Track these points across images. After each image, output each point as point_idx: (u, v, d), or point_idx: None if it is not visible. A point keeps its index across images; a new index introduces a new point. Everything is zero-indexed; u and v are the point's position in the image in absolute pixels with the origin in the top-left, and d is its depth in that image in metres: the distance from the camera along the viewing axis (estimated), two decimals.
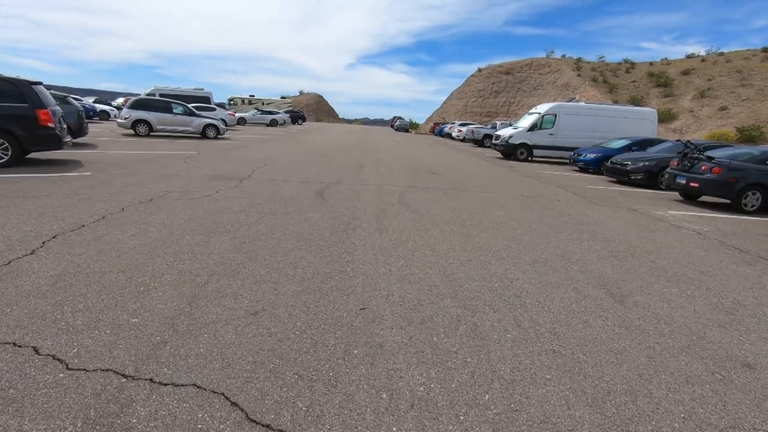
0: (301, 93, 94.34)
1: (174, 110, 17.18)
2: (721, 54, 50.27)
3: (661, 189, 11.59)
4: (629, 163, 12.01)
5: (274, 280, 3.51)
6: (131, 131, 16.40)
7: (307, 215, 5.73)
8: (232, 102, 57.30)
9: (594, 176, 14.11)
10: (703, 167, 8.80)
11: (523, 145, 17.78)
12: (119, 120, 16.50)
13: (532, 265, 4.41)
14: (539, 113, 17.97)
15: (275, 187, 7.62)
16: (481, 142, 28.13)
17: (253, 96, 61.92)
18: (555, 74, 56.34)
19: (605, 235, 5.88)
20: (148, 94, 33.69)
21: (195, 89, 36.92)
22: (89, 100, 29.69)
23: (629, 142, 15.00)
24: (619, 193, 10.35)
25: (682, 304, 3.65)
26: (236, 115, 36.13)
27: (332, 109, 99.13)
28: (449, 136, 37.78)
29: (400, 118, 59.71)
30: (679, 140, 11.45)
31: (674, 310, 3.51)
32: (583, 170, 15.39)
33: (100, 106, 27.60)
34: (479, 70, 69.01)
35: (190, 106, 25.21)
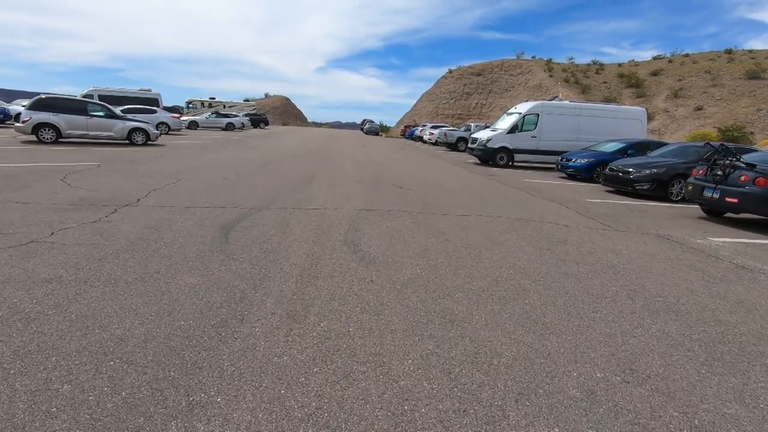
0: (266, 96, 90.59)
1: (90, 112, 14.21)
2: (687, 55, 50.66)
3: (672, 201, 9.72)
4: (632, 170, 10.09)
5: None
6: (33, 137, 13.34)
7: (173, 284, 3.27)
8: (190, 105, 53.59)
9: (587, 185, 12.19)
10: (742, 177, 6.86)
11: (503, 149, 15.78)
12: (17, 124, 13.41)
13: None
14: (519, 113, 16.04)
15: (162, 220, 5.09)
16: (454, 145, 26.17)
17: (214, 98, 58.29)
18: (526, 75, 55.53)
19: (666, 298, 3.69)
20: (84, 96, 30.14)
21: (141, 90, 33.54)
22: None
23: (623, 144, 13.20)
24: (629, 209, 8.34)
25: None
26: (185, 118, 32.94)
27: (300, 112, 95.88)
28: (420, 139, 35.77)
29: (370, 121, 57.53)
30: (708, 143, 9.65)
31: None
32: (571, 177, 13.51)
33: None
34: (450, 71, 67.77)
35: (121, 108, 22.10)
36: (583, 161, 12.98)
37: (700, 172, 7.68)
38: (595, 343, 2.79)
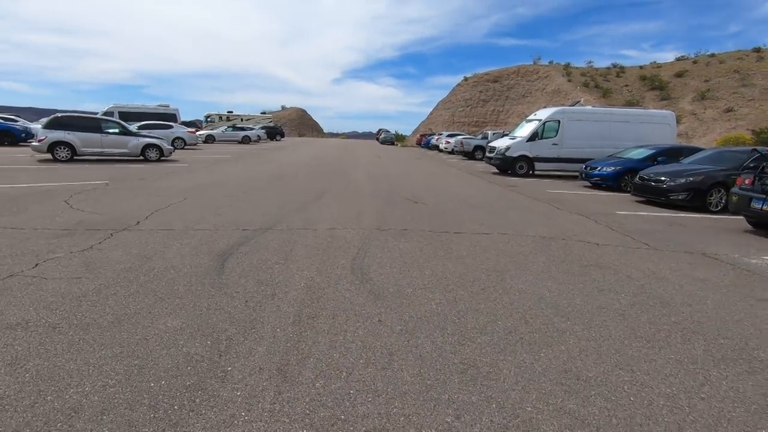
0: (283, 108, 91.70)
1: (105, 129, 14.25)
2: (713, 55, 48.90)
3: (710, 212, 8.95)
4: (666, 179, 9.36)
5: None
6: (48, 156, 13.42)
7: (152, 329, 2.86)
8: (209, 119, 54.54)
9: (614, 194, 11.46)
10: None
11: (523, 157, 15.15)
12: (33, 143, 13.52)
13: None
14: (540, 120, 15.40)
15: (158, 246, 4.74)
16: (471, 154, 25.57)
17: (231, 112, 59.29)
18: (544, 80, 54.54)
19: (731, 340, 3.09)
20: (105, 113, 30.80)
21: (159, 106, 34.16)
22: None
23: (653, 151, 12.42)
24: (665, 222, 7.65)
25: None
26: (202, 132, 33.33)
27: (316, 123, 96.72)
28: (436, 148, 35.25)
29: (385, 130, 57.34)
30: (755, 149, 8.88)
31: None
32: (596, 186, 12.77)
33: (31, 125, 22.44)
34: (465, 79, 67.26)
35: (138, 123, 22.36)
36: (609, 169, 12.25)
37: (746, 181, 6.95)
38: (655, 411, 2.24)
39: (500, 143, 16.16)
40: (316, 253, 4.75)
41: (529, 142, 15.11)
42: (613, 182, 12.11)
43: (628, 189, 11.71)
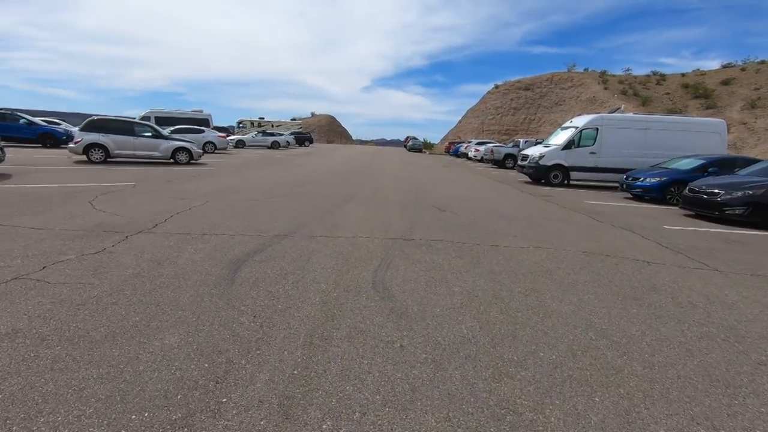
0: (312, 114, 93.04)
1: (137, 132, 14.54)
2: (763, 62, 46.09)
3: None
4: (720, 191, 8.54)
5: None
6: (83, 157, 13.78)
7: (147, 346, 2.57)
8: (241, 124, 55.92)
9: (659, 207, 10.62)
10: None
11: (558, 166, 14.42)
12: (70, 145, 13.92)
13: None
14: (576, 127, 14.66)
15: (171, 251, 4.51)
16: (502, 162, 24.82)
17: (263, 118, 60.58)
18: (578, 88, 52.89)
19: None
20: (143, 117, 31.91)
21: (193, 111, 35.12)
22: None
23: (702, 161, 11.48)
24: (723, 240, 6.88)
25: None
26: (233, 137, 33.97)
27: (345, 130, 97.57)
28: (465, 156, 34.58)
29: (413, 138, 57.08)
30: None
31: None
32: (638, 198, 11.93)
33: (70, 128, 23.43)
34: (496, 86, 66.23)
35: (171, 128, 22.90)
36: (653, 180, 11.41)
37: None
38: None
39: (533, 151, 15.48)
40: (336, 263, 4.40)
41: (565, 151, 14.38)
42: (657, 194, 11.26)
43: (675, 202, 10.87)
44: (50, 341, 2.56)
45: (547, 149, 14.81)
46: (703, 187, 8.97)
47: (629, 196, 12.36)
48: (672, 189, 11.10)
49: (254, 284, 3.66)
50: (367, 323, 3.04)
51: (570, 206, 9.85)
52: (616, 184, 13.43)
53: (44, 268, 3.78)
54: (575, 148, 14.35)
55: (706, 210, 8.77)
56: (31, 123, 20.43)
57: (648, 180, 11.48)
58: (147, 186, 9.33)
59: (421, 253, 4.98)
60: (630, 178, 12.06)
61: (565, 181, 14.58)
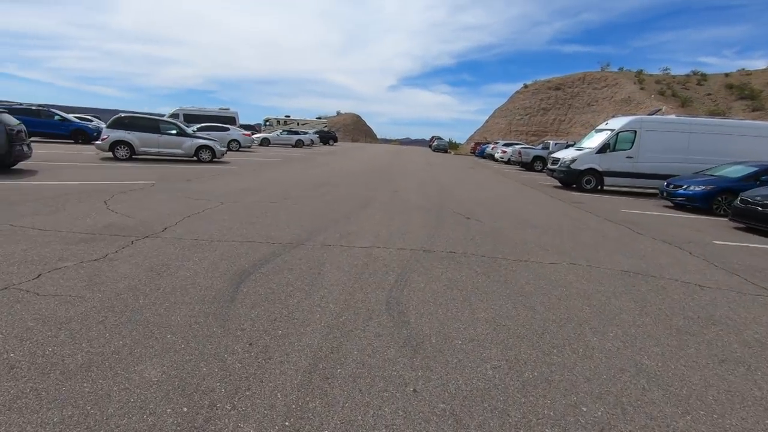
0: (338, 113, 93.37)
1: (162, 130, 14.62)
2: None
3: None
4: None
5: None
6: (110, 154, 13.94)
7: (123, 379, 2.24)
8: (267, 123, 56.54)
9: (704, 218, 9.77)
10: None
11: (591, 171, 13.62)
12: (97, 142, 14.11)
13: None
14: (612, 130, 13.81)
15: (174, 260, 4.24)
16: (530, 165, 23.94)
17: (289, 116, 61.15)
18: (612, 88, 50.83)
19: None
20: (172, 114, 32.54)
21: (221, 109, 35.63)
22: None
23: (755, 168, 10.52)
24: None
25: None
26: (258, 135, 34.21)
27: (370, 129, 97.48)
28: (492, 157, 33.69)
29: (438, 138, 56.33)
30: None
31: None
32: (679, 207, 11.06)
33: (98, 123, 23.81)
34: (525, 86, 64.56)
35: (197, 125, 23.13)
36: (698, 188, 10.53)
37: None
38: None
39: (565, 154, 14.71)
40: (348, 279, 4.02)
41: (599, 154, 13.56)
42: (702, 203, 10.39)
43: (722, 212, 10.00)
44: (19, 370, 2.28)
45: (579, 152, 14.02)
46: (758, 198, 8.13)
47: (670, 204, 11.50)
48: (719, 198, 10.22)
49: (256, 303, 3.31)
50: (376, 357, 2.64)
51: (605, 215, 9.17)
52: (654, 191, 12.57)
53: (39, 276, 3.55)
54: (610, 151, 13.51)
55: (762, 224, 7.94)
56: (64, 119, 21.02)
57: (692, 188, 10.61)
58: (166, 185, 9.23)
59: (442, 267, 4.54)
60: (671, 186, 11.20)
61: (599, 187, 13.76)
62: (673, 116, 14.43)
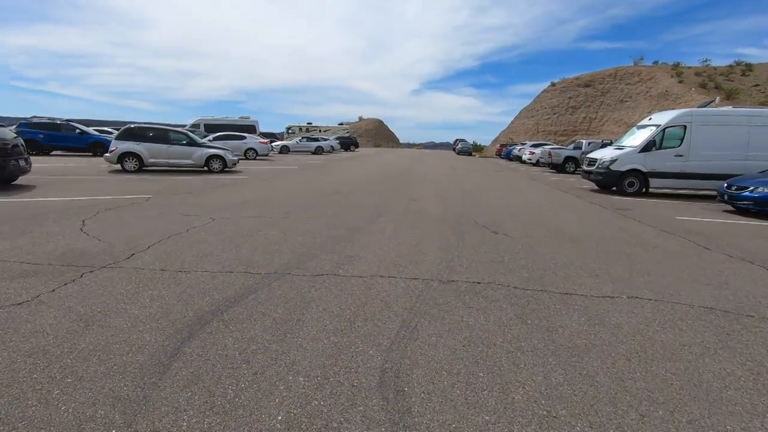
0: (360, 119, 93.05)
1: (172, 140, 14.12)
2: None
3: None
4: None
5: None
6: (119, 167, 13.51)
7: None
8: (290, 130, 56.60)
9: None
10: None
11: (634, 172, 12.14)
12: (106, 154, 13.73)
13: None
14: (657, 125, 12.31)
15: (123, 299, 3.35)
16: (561, 166, 22.37)
17: (311, 123, 61.14)
18: (647, 83, 48.07)
19: None
20: (192, 124, 32.63)
21: (241, 118, 35.58)
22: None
23: None
24: None
25: None
26: (278, 143, 33.88)
27: (392, 134, 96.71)
28: (519, 159, 32.10)
29: (462, 140, 54.89)
30: None
31: None
32: (743, 212, 9.52)
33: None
34: (552, 84, 62.26)
35: (213, 135, 22.78)
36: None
37: None
38: None
39: (603, 154, 13.26)
40: (336, 327, 3.01)
41: (643, 153, 12.07)
42: None
43: None
44: None
45: (620, 152, 12.57)
46: None
47: (731, 209, 9.95)
48: None
49: (194, 377, 2.35)
50: None
51: (657, 224, 7.81)
52: (709, 193, 11.01)
53: None
54: (656, 149, 12.00)
55: None
56: (83, 132, 21.09)
57: (761, 189, 9.07)
58: (162, 199, 8.53)
59: (462, 308, 3.47)
60: (734, 187, 9.67)
61: (643, 190, 12.26)
62: (729, 108, 12.78)
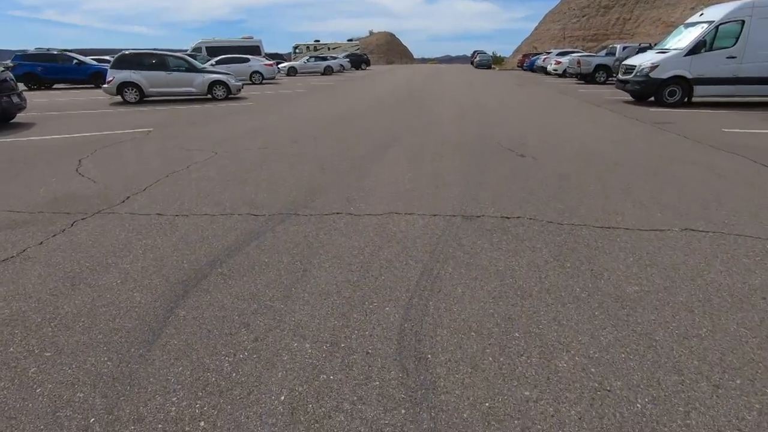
0: (371, 33, 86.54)
1: (170, 66, 13.18)
2: None
3: None
4: None
5: None
6: (119, 98, 12.86)
7: None
8: (297, 49, 53.42)
9: None
10: None
11: (677, 79, 10.81)
12: (104, 86, 12.99)
13: None
14: (710, 22, 10.67)
15: (113, 252, 3.06)
16: (591, 76, 20.45)
17: (318, 41, 57.48)
18: None
19: None
20: (194, 49, 30.85)
21: (243, 38, 33.48)
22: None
23: None
24: None
25: None
26: (284, 64, 32.01)
27: (406, 48, 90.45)
28: (543, 70, 29.60)
29: (481, 52, 50.91)
30: None
31: None
32: None
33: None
34: None
35: (216, 59, 21.44)
36: None
37: None
38: None
39: (642, 60, 11.78)
40: (345, 280, 2.67)
41: (690, 56, 10.61)
42: None
43: None
44: None
45: (662, 56, 11.11)
46: None
47: None
48: None
49: (186, 348, 2.06)
50: None
51: (706, 139, 6.97)
52: (757, 101, 9.80)
53: None
54: (706, 51, 10.52)
55: None
56: (81, 63, 20.09)
57: None
58: (164, 131, 8.05)
59: (490, 250, 3.05)
60: None
61: (686, 99, 11.02)
62: None
